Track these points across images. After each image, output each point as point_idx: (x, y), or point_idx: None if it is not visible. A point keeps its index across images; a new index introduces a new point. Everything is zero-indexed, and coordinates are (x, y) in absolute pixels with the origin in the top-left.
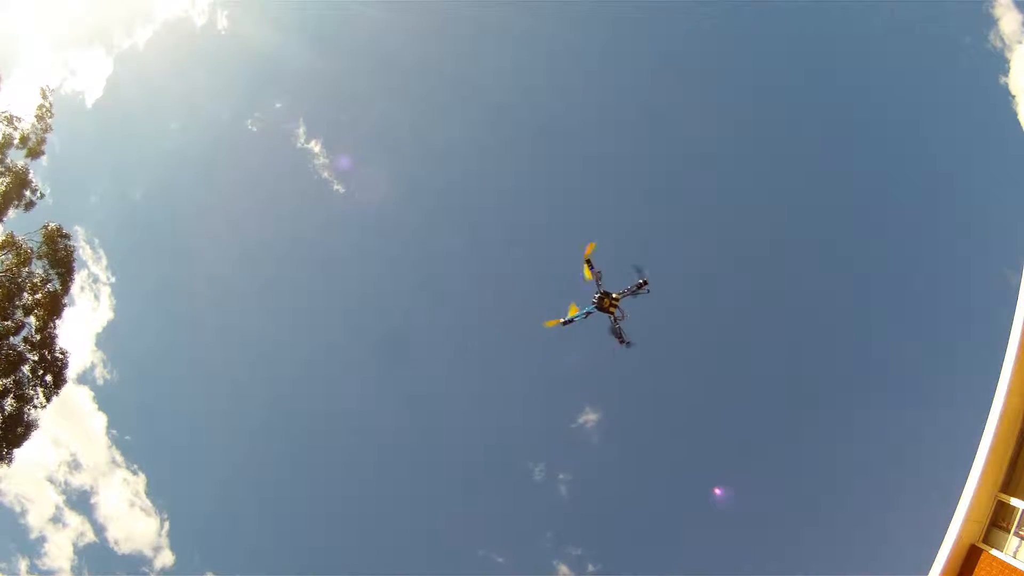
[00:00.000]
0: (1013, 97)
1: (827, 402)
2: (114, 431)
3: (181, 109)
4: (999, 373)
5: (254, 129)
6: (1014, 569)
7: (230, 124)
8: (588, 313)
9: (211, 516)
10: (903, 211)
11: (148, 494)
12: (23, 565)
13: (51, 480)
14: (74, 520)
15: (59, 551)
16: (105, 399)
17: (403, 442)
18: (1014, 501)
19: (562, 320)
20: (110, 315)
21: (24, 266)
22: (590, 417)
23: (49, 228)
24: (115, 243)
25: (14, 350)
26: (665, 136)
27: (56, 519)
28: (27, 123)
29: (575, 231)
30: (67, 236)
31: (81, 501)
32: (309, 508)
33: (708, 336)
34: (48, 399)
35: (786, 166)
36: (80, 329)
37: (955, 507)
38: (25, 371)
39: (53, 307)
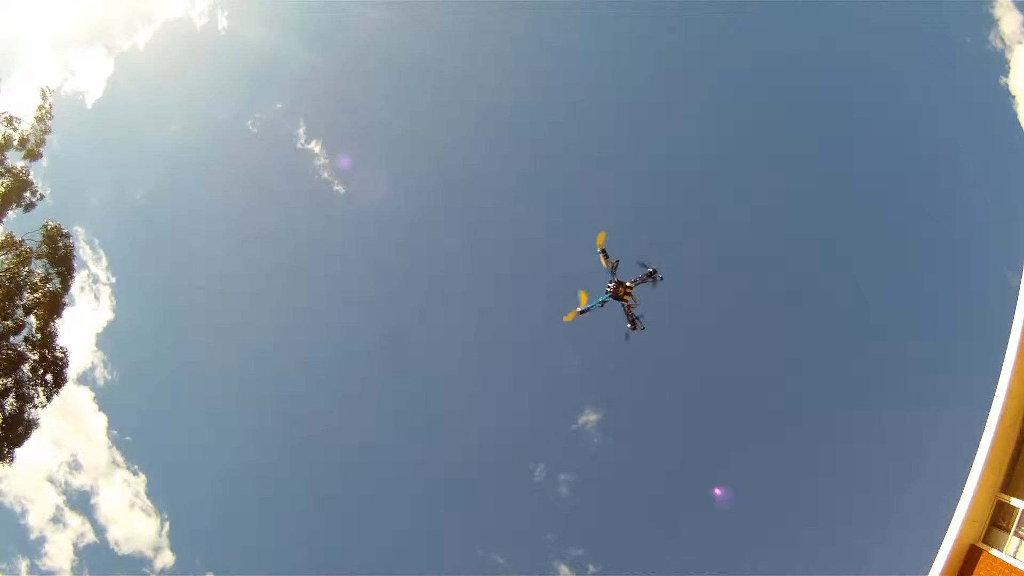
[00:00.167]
0: (1013, 97)
1: (827, 402)
2: (114, 432)
3: (181, 110)
4: (999, 373)
5: (254, 130)
6: (1014, 569)
7: (230, 125)
8: (604, 302)
9: (211, 516)
10: (903, 211)
11: (148, 494)
12: (23, 565)
13: (51, 481)
14: (74, 521)
15: (59, 551)
16: (105, 399)
17: (403, 442)
18: (1014, 501)
19: (578, 310)
20: (110, 315)
21: (24, 265)
22: (591, 418)
23: (49, 227)
24: (115, 243)
25: (14, 349)
26: (665, 136)
27: (56, 520)
28: (27, 124)
29: (575, 231)
30: (67, 235)
31: (81, 502)
32: (309, 508)
33: (708, 336)
34: (48, 398)
35: (786, 166)
36: (80, 329)
37: (955, 507)
38: (25, 370)
39: (53, 306)
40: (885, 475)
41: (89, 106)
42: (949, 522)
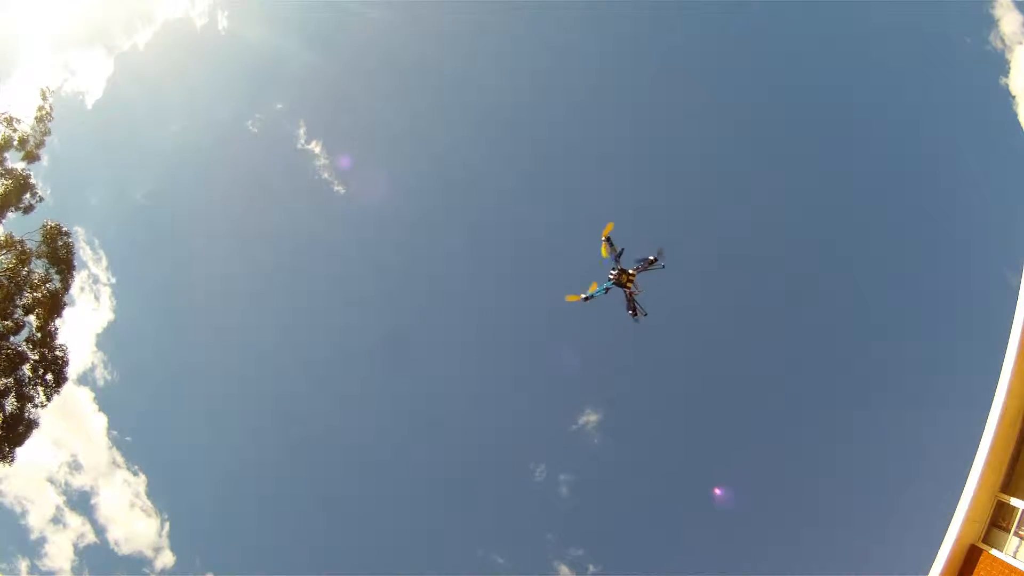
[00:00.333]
0: (1013, 97)
1: (827, 402)
2: (114, 432)
3: (181, 110)
4: (999, 373)
5: (254, 130)
6: (1014, 569)
7: (230, 125)
8: (607, 289)
9: (211, 516)
10: (903, 211)
11: (148, 495)
12: (23, 566)
13: (51, 481)
14: (75, 521)
15: (60, 552)
16: (105, 400)
17: (404, 442)
18: (1014, 501)
19: (583, 296)
20: (110, 316)
21: (24, 265)
22: (591, 418)
23: (48, 226)
24: (115, 243)
25: (14, 349)
26: (665, 136)
27: (57, 520)
28: (27, 124)
29: (576, 231)
30: (66, 234)
31: (82, 502)
32: (309, 508)
33: (708, 336)
34: (49, 398)
35: (786, 166)
36: (80, 330)
37: (955, 507)
38: (25, 370)
39: (53, 305)
40: (885, 475)
41: (89, 106)
42: (949, 522)
